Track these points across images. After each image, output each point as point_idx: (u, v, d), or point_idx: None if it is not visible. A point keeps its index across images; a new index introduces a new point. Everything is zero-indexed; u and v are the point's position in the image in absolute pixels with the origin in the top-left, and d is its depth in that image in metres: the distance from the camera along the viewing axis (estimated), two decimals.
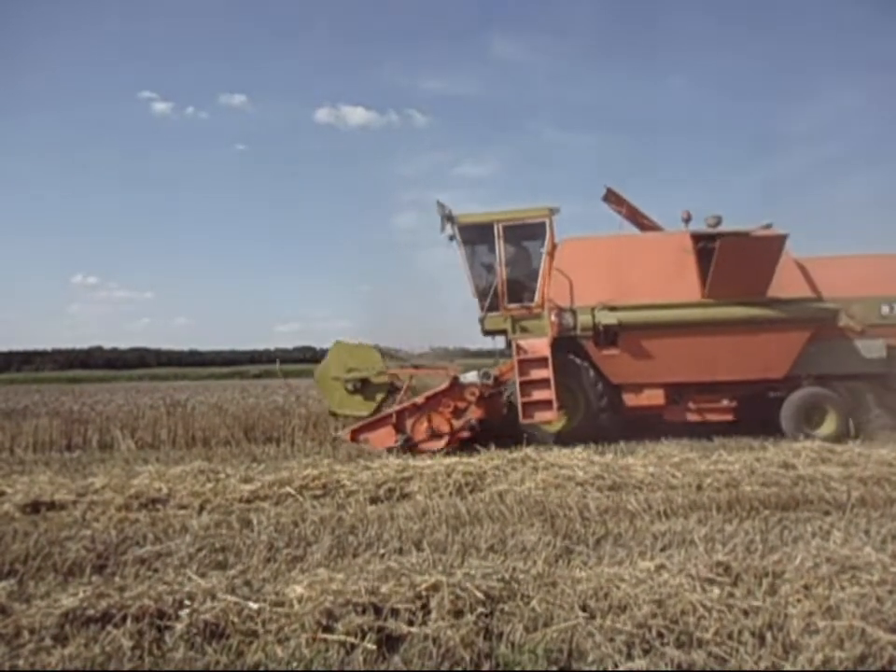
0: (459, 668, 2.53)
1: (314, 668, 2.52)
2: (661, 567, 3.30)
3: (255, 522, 4.64)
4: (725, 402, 9.19)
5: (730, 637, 2.64)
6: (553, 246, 9.53)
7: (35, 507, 5.21)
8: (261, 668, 2.53)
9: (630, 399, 9.31)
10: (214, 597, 2.98)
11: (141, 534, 4.38)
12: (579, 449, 7.20)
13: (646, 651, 2.58)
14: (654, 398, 9.23)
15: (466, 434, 8.43)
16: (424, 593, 2.98)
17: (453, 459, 6.45)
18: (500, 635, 2.72)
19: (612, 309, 9.07)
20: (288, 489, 5.58)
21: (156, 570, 3.61)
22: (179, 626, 2.76)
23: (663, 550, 3.77)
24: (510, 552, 3.82)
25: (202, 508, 5.19)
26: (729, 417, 9.18)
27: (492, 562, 3.49)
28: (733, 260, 8.67)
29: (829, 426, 8.92)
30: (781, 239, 8.75)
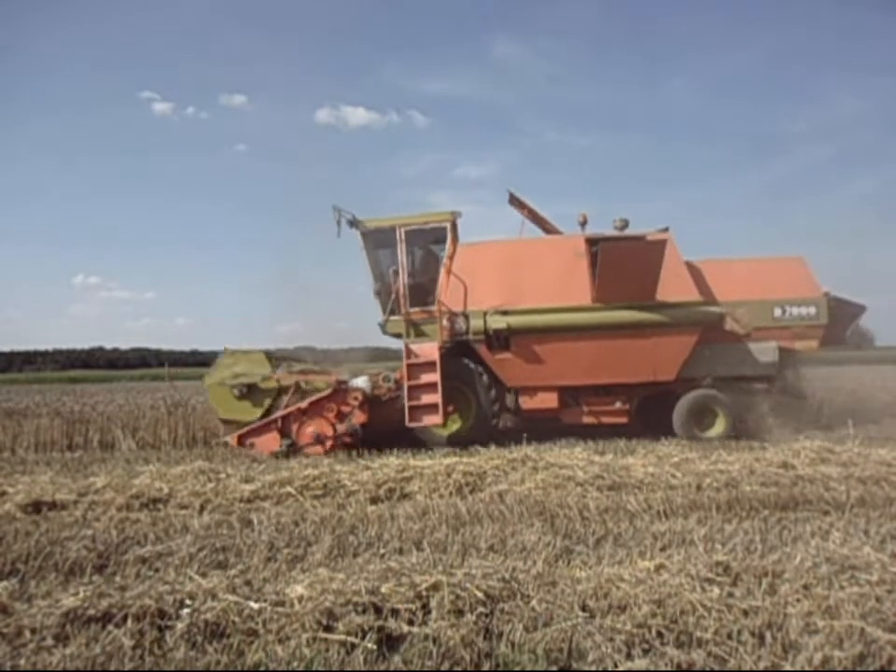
0: (459, 668, 2.53)
1: (314, 668, 2.52)
2: (660, 567, 3.31)
3: (255, 522, 4.64)
4: (619, 405, 9.37)
5: (729, 636, 2.65)
6: (454, 251, 9.62)
7: (36, 507, 5.22)
8: (262, 668, 2.54)
9: (525, 402, 9.44)
10: (214, 597, 2.99)
11: (142, 534, 4.39)
12: (578, 449, 7.21)
13: (646, 651, 2.59)
14: (548, 400, 9.37)
15: (349, 439, 8.54)
16: (424, 592, 2.98)
17: (453, 459, 6.45)
18: (500, 634, 2.73)
19: (504, 313, 9.18)
20: (289, 489, 5.59)
21: (157, 570, 3.62)
22: (180, 626, 2.76)
23: (662, 550, 3.78)
24: (510, 551, 3.83)
25: (202, 508, 5.19)
26: (624, 419, 9.39)
27: (492, 562, 3.50)
28: (615, 265, 8.75)
29: (718, 427, 9.10)
30: (661, 244, 8.85)
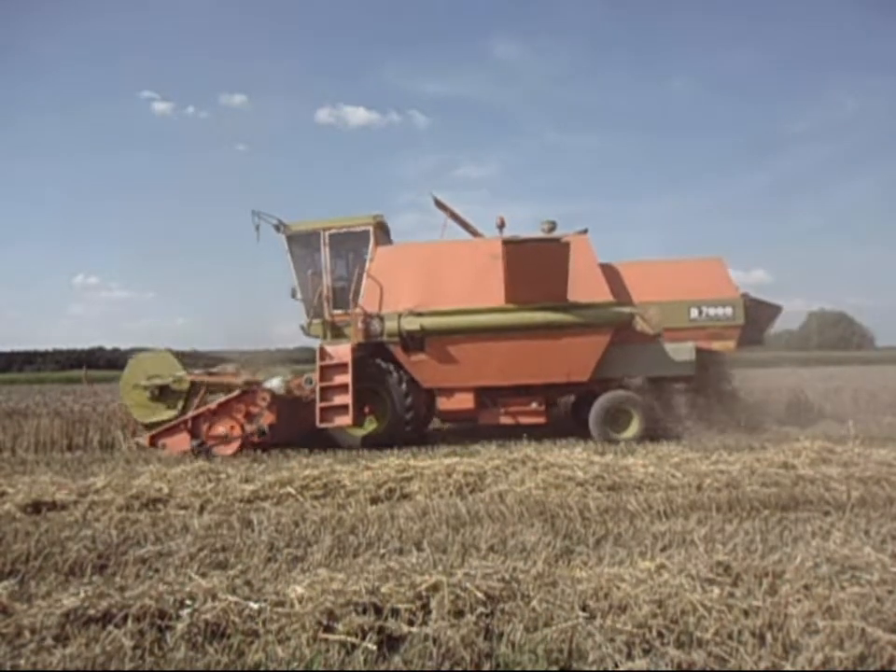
0: (459, 668, 2.53)
1: (314, 668, 2.52)
2: (661, 567, 3.31)
3: (255, 522, 4.64)
4: (535, 405, 9.43)
5: (730, 636, 2.64)
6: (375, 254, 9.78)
7: (36, 507, 5.22)
8: (262, 668, 2.54)
9: (442, 403, 9.54)
10: (215, 597, 2.99)
11: (142, 534, 4.39)
12: (579, 449, 7.20)
13: (646, 651, 2.59)
14: (465, 401, 9.44)
15: (257, 439, 8.67)
16: (424, 593, 2.98)
17: (453, 460, 6.45)
18: (501, 635, 2.73)
19: (419, 315, 9.26)
20: (289, 489, 5.59)
21: (157, 570, 3.62)
22: (180, 626, 2.76)
23: (663, 550, 3.78)
24: (510, 552, 3.82)
25: (202, 508, 5.19)
26: (541, 420, 9.43)
27: (492, 562, 3.49)
28: (522, 266, 8.81)
29: (633, 428, 9.12)
30: (565, 245, 8.82)
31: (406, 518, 4.65)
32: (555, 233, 9.47)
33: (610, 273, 9.50)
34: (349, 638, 2.65)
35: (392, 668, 2.54)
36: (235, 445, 8.64)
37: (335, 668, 2.52)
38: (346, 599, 2.88)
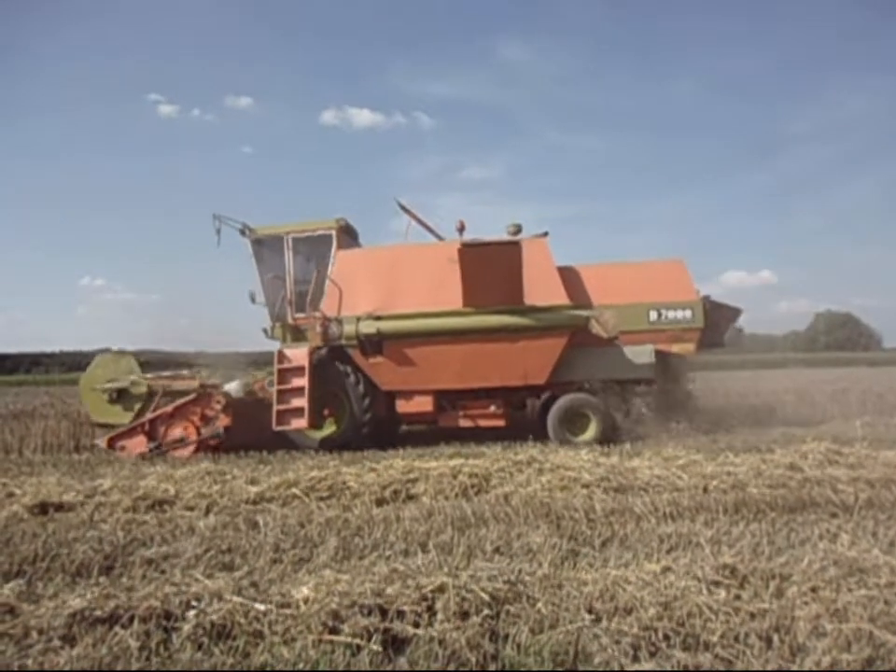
0: (465, 670, 2.53)
1: (320, 669, 2.52)
2: (667, 570, 3.30)
3: (261, 523, 4.65)
4: (493, 408, 9.47)
5: (736, 639, 2.63)
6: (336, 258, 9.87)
7: (43, 508, 5.24)
8: (268, 669, 2.54)
9: (402, 406, 9.57)
10: (220, 598, 2.99)
11: (148, 535, 4.40)
12: (584, 451, 7.19)
13: (652, 654, 2.58)
14: (423, 404, 9.49)
15: (213, 441, 8.81)
16: (429, 594, 2.98)
17: (458, 461, 6.44)
18: (506, 637, 2.72)
19: (377, 318, 9.29)
20: (294, 491, 5.60)
21: (163, 571, 3.63)
22: (186, 627, 2.77)
23: (669, 552, 3.76)
24: (515, 553, 3.82)
25: (208, 509, 5.21)
26: (501, 423, 9.46)
27: (498, 564, 3.49)
28: (476, 269, 8.79)
29: (591, 431, 9.14)
30: (517, 247, 8.85)
31: (411, 520, 4.65)
32: (520, 236, 9.52)
33: (570, 275, 9.54)
34: (354, 640, 2.65)
35: (397, 670, 2.54)
36: (191, 448, 8.81)
37: (341, 670, 2.53)
38: (352, 601, 2.89)
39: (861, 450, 6.60)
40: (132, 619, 2.84)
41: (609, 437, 8.84)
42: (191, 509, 5.24)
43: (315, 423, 9.14)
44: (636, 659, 2.54)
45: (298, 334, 9.90)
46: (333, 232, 9.92)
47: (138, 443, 8.85)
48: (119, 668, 2.53)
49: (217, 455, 8.28)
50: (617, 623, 2.76)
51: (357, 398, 9.37)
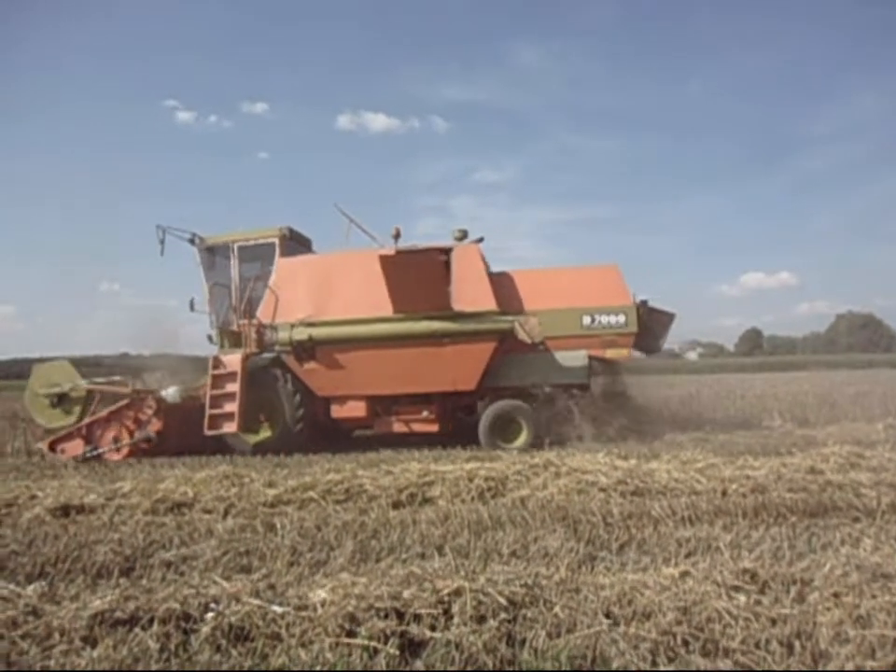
0: None
1: (337, 671, 2.53)
2: (686, 574, 3.26)
3: (279, 526, 4.67)
4: (426, 413, 9.57)
5: (757, 645, 2.60)
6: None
7: (65, 510, 5.31)
8: (285, 671, 2.55)
9: (336, 411, 9.79)
10: (239, 601, 3.01)
11: (167, 537, 4.44)
12: (601, 454, 7.13)
13: (671, 659, 2.55)
14: (357, 409, 9.69)
15: (145, 445, 9.23)
16: (446, 598, 2.97)
17: (475, 464, 6.43)
18: (523, 641, 2.71)
19: (310, 325, 9.49)
20: (311, 494, 5.62)
21: (182, 573, 3.66)
22: (205, 629, 2.79)
23: (687, 556, 3.73)
24: (532, 557, 3.81)
25: (226, 512, 5.24)
26: (434, 428, 9.57)
27: (514, 567, 3.48)
28: (400, 277, 8.96)
29: (522, 438, 9.19)
30: (436, 254, 9.07)
31: (428, 523, 4.65)
32: (465, 242, 9.71)
33: (504, 281, 9.60)
34: (371, 643, 2.65)
35: None
36: (124, 451, 9.20)
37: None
38: (368, 604, 2.89)
39: (883, 453, 6.49)
40: (151, 620, 2.86)
41: (541, 443, 8.85)
42: (209, 511, 5.28)
43: (244, 427, 9.36)
44: (654, 664, 2.52)
45: (238, 340, 10.09)
46: (276, 240, 10.17)
47: (76, 447, 9.25)
48: (139, 669, 2.55)
49: (152, 459, 8.65)
50: (635, 628, 2.73)
51: (289, 402, 9.58)
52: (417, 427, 9.65)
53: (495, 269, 10.00)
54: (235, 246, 10.37)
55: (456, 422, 9.91)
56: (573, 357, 9.30)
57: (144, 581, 3.49)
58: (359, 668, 2.54)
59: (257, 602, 2.97)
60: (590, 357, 9.31)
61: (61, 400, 9.69)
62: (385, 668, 2.54)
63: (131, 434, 9.29)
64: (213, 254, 10.53)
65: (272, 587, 3.29)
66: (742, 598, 2.93)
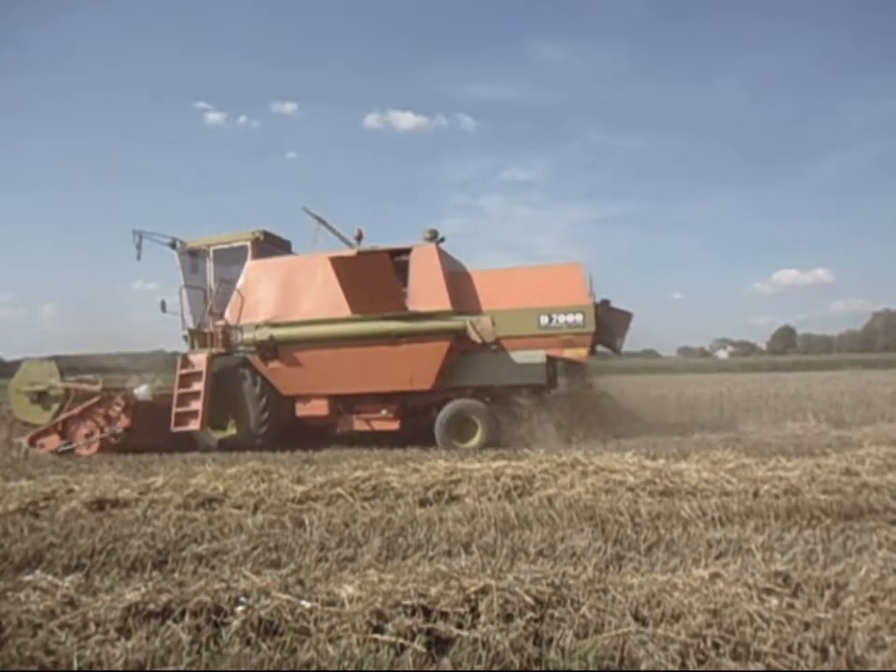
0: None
1: (364, 668, 2.55)
2: (716, 576, 3.22)
3: (307, 522, 4.72)
4: (385, 412, 9.78)
5: (790, 649, 2.55)
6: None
7: (100, 504, 5.43)
8: (314, 667, 2.58)
9: (301, 410, 10.07)
10: (268, 595, 3.05)
11: (199, 532, 4.51)
12: (629, 454, 7.06)
13: (700, 662, 2.52)
14: (319, 408, 9.93)
15: (114, 440, 9.72)
16: (473, 596, 2.97)
17: (501, 463, 6.42)
18: (550, 640, 2.70)
19: (273, 326, 9.81)
20: (339, 490, 5.66)
21: (213, 567, 3.72)
22: (235, 623, 2.83)
23: (718, 558, 3.67)
24: (559, 556, 3.79)
25: (256, 507, 5.31)
26: (395, 427, 9.78)
27: (541, 566, 3.46)
28: (352, 279, 9.15)
29: (477, 437, 9.26)
30: (383, 255, 9.24)
31: (454, 521, 4.66)
32: (438, 242, 9.81)
33: (463, 281, 9.69)
34: (398, 639, 2.67)
35: (441, 670, 2.54)
36: (95, 446, 9.71)
37: (385, 669, 2.54)
38: (396, 601, 2.90)
39: None
40: (183, 613, 2.92)
41: (496, 442, 8.94)
42: (239, 507, 5.35)
43: (211, 424, 9.84)
44: (683, 666, 2.49)
45: (193, 340, 10.52)
46: (248, 244, 10.52)
47: (53, 441, 9.79)
48: (171, 661, 2.60)
49: (125, 454, 9.10)
50: (664, 630, 2.70)
51: (253, 401, 9.93)
52: (378, 426, 9.86)
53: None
54: (211, 250, 10.79)
55: (417, 421, 10.06)
56: (531, 357, 9.33)
57: (176, 575, 3.56)
58: (386, 665, 2.56)
59: (286, 597, 3.01)
60: (549, 357, 9.37)
61: (40, 397, 10.27)
62: (412, 665, 2.55)
63: (101, 430, 9.80)
64: (192, 257, 10.97)
65: (300, 582, 3.33)
66: (774, 601, 2.87)
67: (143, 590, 3.11)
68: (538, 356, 9.29)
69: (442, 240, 9.90)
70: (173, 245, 10.89)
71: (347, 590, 3.06)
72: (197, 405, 9.60)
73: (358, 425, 9.93)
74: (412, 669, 2.54)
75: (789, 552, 3.68)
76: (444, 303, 9.29)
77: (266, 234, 10.75)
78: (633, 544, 4.03)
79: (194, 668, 2.55)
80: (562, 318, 9.27)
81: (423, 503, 5.40)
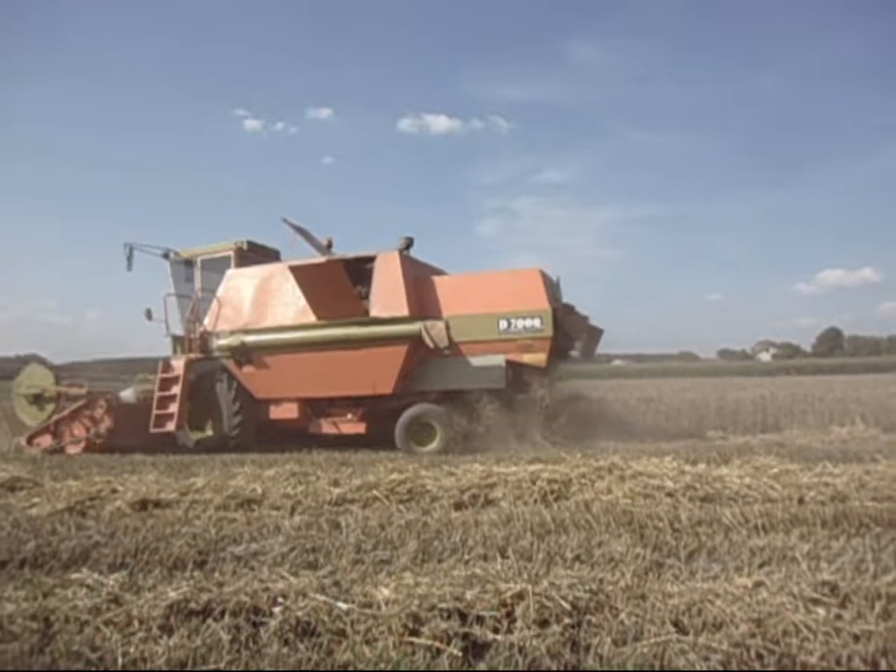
0: None
1: (401, 670, 2.55)
2: (759, 585, 3.13)
3: (343, 524, 4.75)
4: (350, 416, 10.18)
5: (838, 662, 2.46)
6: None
7: (143, 504, 5.56)
8: (350, 668, 2.59)
9: (274, 413, 10.54)
10: (305, 596, 3.07)
11: (238, 532, 4.58)
12: (668, 458, 6.93)
13: None
14: (290, 411, 10.40)
15: (98, 440, 10.42)
16: (509, 600, 2.95)
17: (537, 466, 6.38)
18: (588, 647, 2.66)
19: (246, 332, 10.32)
20: (375, 493, 5.69)
21: (252, 568, 3.76)
22: (273, 623, 2.86)
23: (761, 566, 3.57)
24: (597, 562, 3.73)
25: (293, 509, 5.37)
26: (361, 430, 10.13)
27: (578, 572, 3.42)
28: (312, 286, 9.60)
29: (436, 442, 9.46)
30: (337, 264, 9.72)
31: (490, 524, 4.63)
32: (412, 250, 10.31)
33: (426, 287, 9.95)
34: (435, 643, 2.66)
35: None
36: (81, 445, 10.48)
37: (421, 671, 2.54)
38: (431, 604, 2.90)
39: None
40: (223, 612, 2.96)
41: (454, 447, 9.06)
42: (277, 508, 5.42)
43: (192, 425, 10.54)
44: None
45: (175, 345, 11.27)
46: (231, 253, 11.22)
47: (46, 440, 10.70)
48: (212, 660, 2.64)
49: (111, 454, 9.68)
50: (705, 639, 2.63)
51: (227, 404, 10.46)
52: (346, 429, 10.19)
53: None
54: (199, 260, 11.48)
55: (384, 425, 10.23)
56: (489, 362, 9.43)
57: (216, 574, 3.61)
58: (423, 668, 2.56)
59: (322, 598, 3.03)
60: (509, 362, 9.44)
61: (36, 399, 11.11)
62: (448, 669, 2.54)
63: (87, 430, 10.54)
64: (183, 267, 11.68)
65: (336, 584, 3.35)
66: (821, 612, 2.78)
67: (184, 589, 3.16)
68: (497, 360, 9.44)
69: (407, 247, 10.28)
70: (166, 256, 11.63)
71: (383, 592, 3.07)
72: (174, 408, 10.20)
73: (327, 428, 10.30)
74: None
75: (836, 561, 3.56)
76: (402, 309, 9.57)
77: (250, 244, 11.45)
78: (672, 551, 3.95)
79: (234, 667, 2.59)
80: (520, 323, 9.41)
81: (458, 506, 5.39)
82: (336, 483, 6.09)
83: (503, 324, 9.45)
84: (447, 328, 9.44)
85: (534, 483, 5.73)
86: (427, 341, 9.44)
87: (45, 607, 3.05)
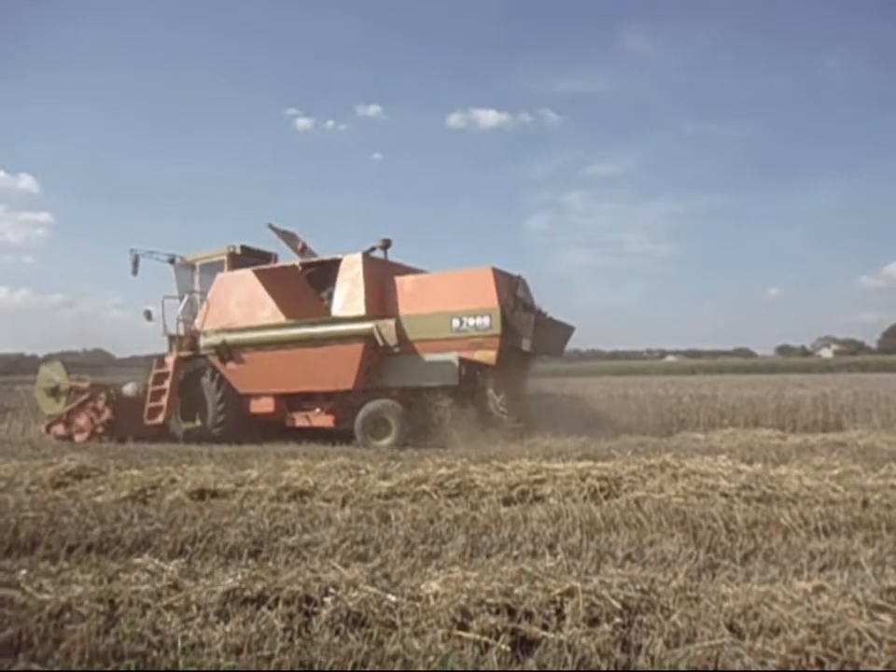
0: None
1: (449, 664, 2.56)
2: (820, 589, 3.02)
3: (393, 518, 4.80)
4: (318, 410, 10.77)
5: None
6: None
7: (201, 494, 5.74)
8: (400, 659, 2.62)
9: (253, 407, 11.20)
10: (356, 587, 3.12)
11: (290, 523, 4.68)
12: (723, 457, 6.75)
13: None
14: (267, 405, 11.05)
15: (100, 430, 11.49)
16: (558, 598, 2.93)
17: (587, 463, 6.30)
18: (639, 647, 2.62)
19: (228, 331, 11.00)
20: (424, 487, 5.73)
21: (304, 558, 3.85)
22: (325, 612, 2.92)
23: (822, 570, 3.45)
24: (648, 561, 3.67)
25: (344, 501, 5.46)
26: (330, 423, 10.64)
27: (629, 571, 3.37)
28: (275, 288, 10.25)
29: (391, 436, 9.82)
30: (293, 267, 10.62)
31: (539, 521, 4.61)
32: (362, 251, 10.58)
33: (388, 287, 10.35)
34: (483, 637, 2.67)
35: (527, 670, 2.52)
36: (86, 434, 11.58)
37: (470, 666, 2.55)
38: (480, 598, 2.90)
39: None
40: (276, 601, 3.04)
41: (408, 441, 9.56)
42: (329, 500, 5.52)
43: (169, 419, 11.33)
44: None
45: (171, 343, 11.96)
46: (224, 258, 11.97)
47: (60, 429, 11.92)
48: (266, 647, 2.71)
49: (111, 442, 10.70)
50: (762, 643, 2.56)
51: (211, 398, 11.21)
52: (316, 422, 10.77)
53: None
54: (198, 264, 12.32)
55: (351, 418, 10.54)
56: (442, 359, 9.71)
57: (270, 564, 3.71)
58: (471, 662, 2.57)
59: (373, 590, 3.08)
60: (461, 359, 9.64)
61: (53, 392, 12.33)
62: (496, 665, 2.55)
63: (91, 421, 11.56)
64: (185, 271, 12.48)
65: (386, 576, 3.39)
66: (887, 619, 2.66)
67: (239, 577, 3.26)
68: (450, 357, 9.69)
69: (376, 248, 10.77)
70: (171, 261, 12.43)
71: (432, 586, 3.10)
72: (164, 401, 11.04)
73: (300, 421, 10.90)
74: (497, 669, 2.53)
75: None
76: (361, 309, 9.98)
77: (244, 248, 12.14)
78: (727, 552, 3.85)
79: (287, 655, 2.65)
80: (471, 321, 9.67)
81: (507, 502, 5.38)
82: (386, 477, 6.16)
83: (455, 322, 9.74)
84: (397, 326, 9.89)
85: (583, 479, 5.67)
86: (379, 339, 9.84)
87: (110, 590, 3.19)
